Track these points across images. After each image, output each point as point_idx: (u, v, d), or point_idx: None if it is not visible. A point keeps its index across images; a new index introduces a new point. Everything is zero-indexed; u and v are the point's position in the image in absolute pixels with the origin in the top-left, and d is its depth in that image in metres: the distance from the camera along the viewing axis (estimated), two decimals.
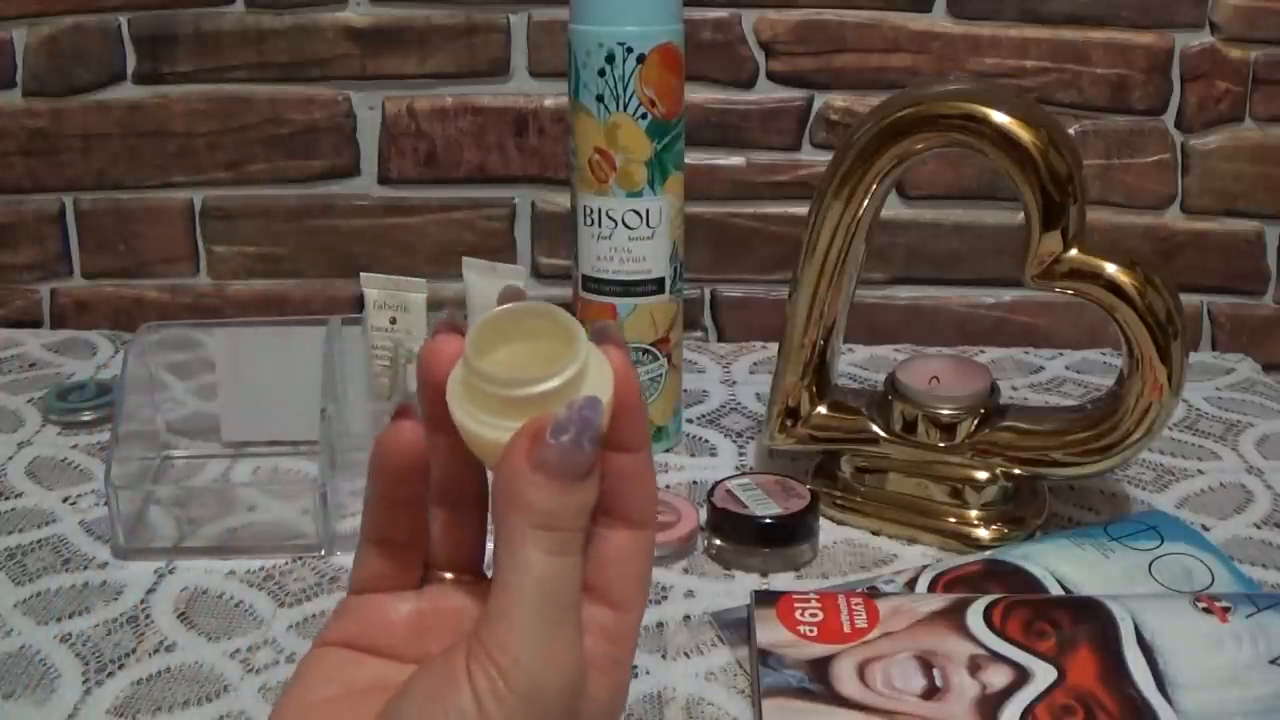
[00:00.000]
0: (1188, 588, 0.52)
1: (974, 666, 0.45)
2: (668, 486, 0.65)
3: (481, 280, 0.65)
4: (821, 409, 0.62)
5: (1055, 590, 0.52)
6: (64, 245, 0.89)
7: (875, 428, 0.61)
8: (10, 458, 0.68)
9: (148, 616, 0.53)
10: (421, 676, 0.31)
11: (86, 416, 0.72)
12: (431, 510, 0.35)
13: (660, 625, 0.52)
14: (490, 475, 0.32)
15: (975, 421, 0.60)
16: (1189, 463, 0.68)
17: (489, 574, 0.36)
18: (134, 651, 0.51)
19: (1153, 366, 0.54)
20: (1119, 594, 0.49)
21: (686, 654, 0.50)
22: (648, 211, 0.63)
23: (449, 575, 0.35)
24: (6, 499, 0.63)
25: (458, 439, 0.32)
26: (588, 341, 0.31)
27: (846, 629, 0.47)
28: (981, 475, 0.59)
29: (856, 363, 0.83)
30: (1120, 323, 0.54)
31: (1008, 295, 0.88)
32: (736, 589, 0.55)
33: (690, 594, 0.55)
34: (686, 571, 0.57)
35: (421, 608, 0.35)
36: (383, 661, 0.34)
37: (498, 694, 0.29)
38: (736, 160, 0.86)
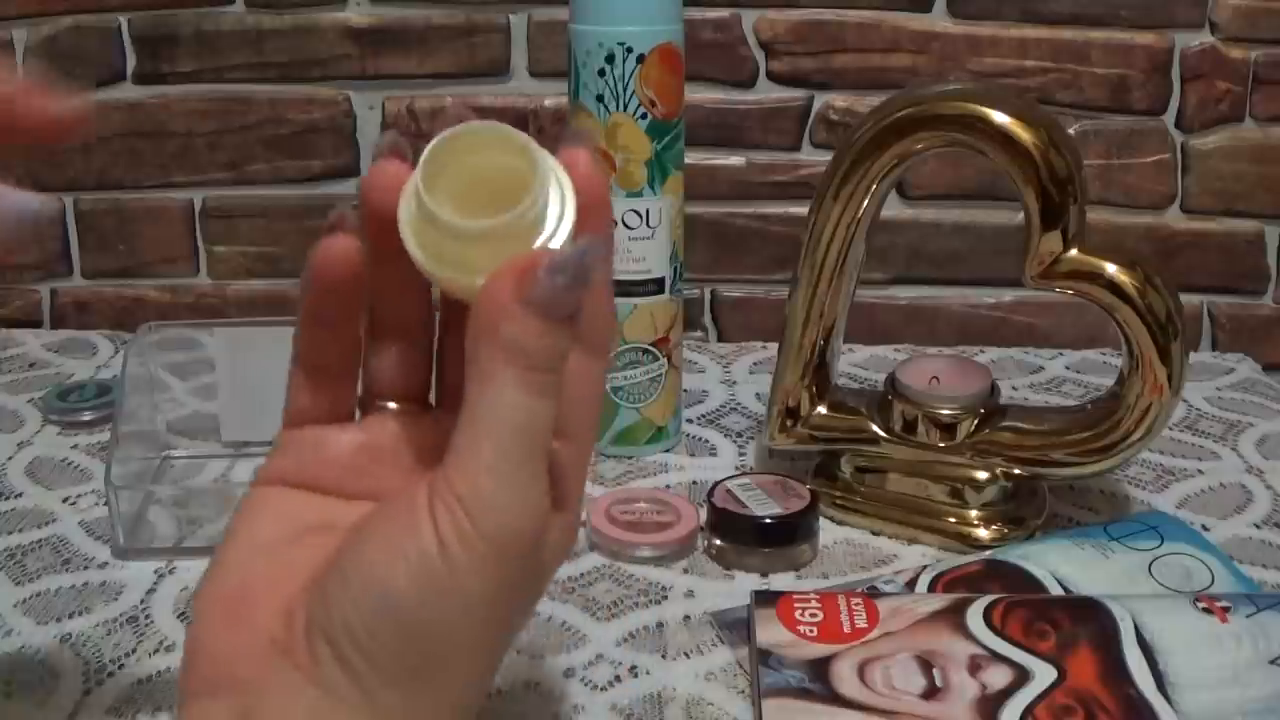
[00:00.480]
0: (1188, 588, 0.52)
1: (974, 666, 0.45)
2: (668, 486, 0.65)
3: None
4: (821, 409, 0.62)
5: (1055, 590, 0.52)
6: (64, 245, 0.89)
7: (875, 428, 0.61)
8: (10, 458, 0.68)
9: (148, 616, 0.53)
10: (379, 517, 0.30)
11: (86, 416, 0.72)
12: (376, 338, 0.34)
13: (660, 625, 0.52)
14: (437, 299, 0.31)
15: (975, 421, 0.60)
16: (1189, 463, 0.68)
17: (434, 404, 0.35)
18: (134, 651, 0.51)
19: (1153, 366, 0.54)
20: (1119, 594, 0.49)
21: (686, 654, 0.50)
22: (648, 211, 0.63)
23: (392, 405, 0.34)
24: (6, 499, 0.63)
25: (402, 265, 0.30)
26: (544, 156, 0.29)
27: (846, 629, 0.47)
28: (981, 475, 0.59)
29: (856, 363, 0.83)
30: (1120, 323, 0.54)
31: (1008, 295, 0.88)
32: (736, 589, 0.55)
33: (690, 594, 0.55)
34: (686, 571, 0.57)
35: (362, 440, 0.33)
36: (326, 499, 0.33)
37: (463, 535, 0.28)
38: (736, 160, 0.86)
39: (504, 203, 0.29)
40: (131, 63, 0.85)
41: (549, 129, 0.85)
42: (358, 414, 0.35)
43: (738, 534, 0.57)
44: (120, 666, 0.50)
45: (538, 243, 0.30)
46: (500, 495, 0.28)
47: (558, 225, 0.30)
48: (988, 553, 0.55)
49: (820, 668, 0.45)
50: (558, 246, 0.29)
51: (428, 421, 0.34)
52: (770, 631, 0.48)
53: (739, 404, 0.76)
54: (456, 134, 0.30)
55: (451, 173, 0.30)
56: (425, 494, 0.29)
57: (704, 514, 0.58)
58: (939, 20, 0.83)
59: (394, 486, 0.32)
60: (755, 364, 0.83)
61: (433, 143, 0.30)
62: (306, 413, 0.34)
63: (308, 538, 0.32)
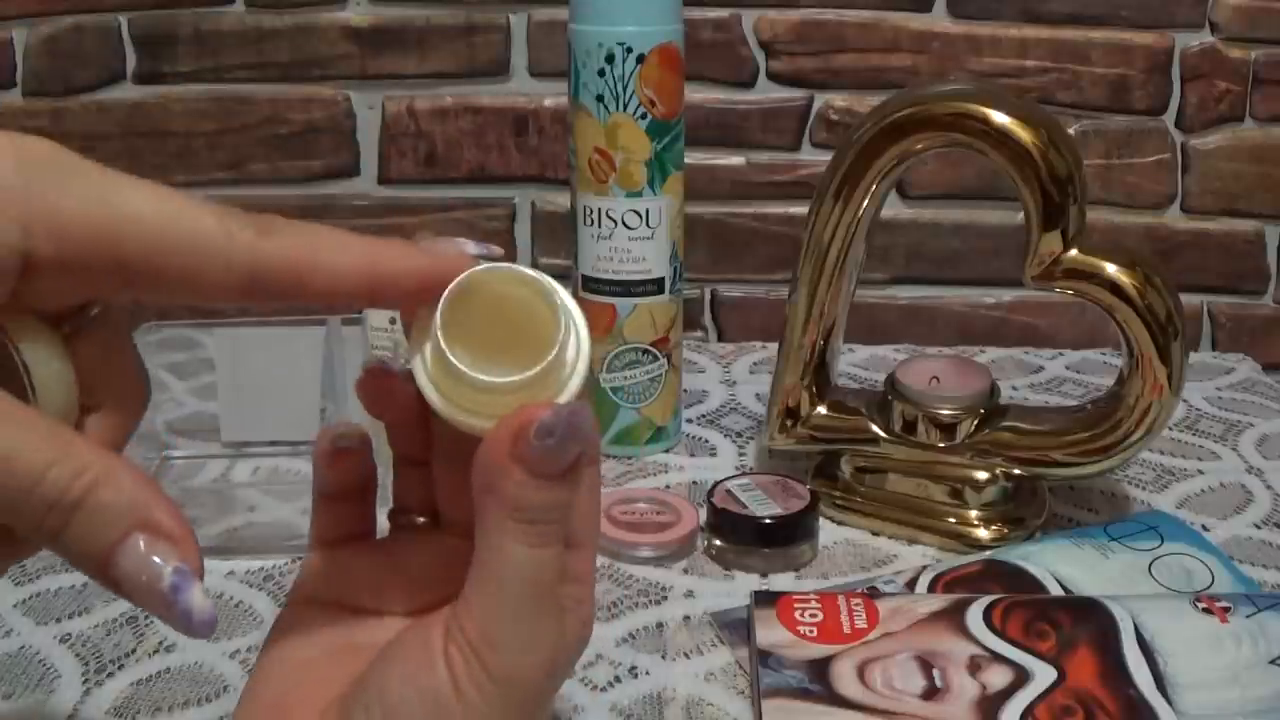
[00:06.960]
0: (1188, 588, 0.52)
1: (974, 667, 0.45)
2: (667, 486, 0.65)
3: None
4: (821, 409, 0.62)
5: (1055, 590, 0.52)
6: None
7: (875, 428, 0.61)
8: None
9: (147, 617, 0.53)
10: (397, 652, 0.31)
11: None
12: (401, 463, 0.36)
13: (660, 625, 0.52)
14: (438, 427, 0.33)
15: (975, 421, 0.60)
16: (1189, 463, 0.68)
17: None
18: (134, 651, 0.51)
19: (1153, 366, 0.54)
20: (1119, 594, 0.49)
21: (686, 654, 0.50)
22: (647, 211, 0.63)
23: (420, 519, 0.36)
24: None
25: (419, 406, 0.32)
26: (564, 299, 0.30)
27: (846, 629, 0.47)
28: (981, 475, 0.59)
29: (856, 363, 0.83)
30: (1120, 323, 0.54)
31: (1008, 295, 0.88)
32: (736, 589, 0.55)
33: (690, 594, 0.55)
34: (686, 571, 0.57)
35: (381, 559, 0.35)
36: (353, 616, 0.34)
37: (476, 679, 0.29)
38: (736, 160, 0.86)
39: (521, 331, 0.30)
40: (131, 63, 0.85)
41: (548, 129, 0.85)
42: (388, 525, 0.37)
43: (738, 534, 0.57)
44: (120, 666, 0.50)
45: (555, 386, 0.30)
46: (510, 640, 0.30)
47: (573, 370, 0.31)
48: (988, 553, 0.55)
49: (820, 668, 0.45)
50: (571, 391, 0.30)
51: (438, 537, 0.36)
52: (770, 632, 0.48)
53: (739, 404, 0.76)
54: (474, 277, 0.30)
55: (467, 307, 0.30)
56: (441, 634, 0.30)
57: (704, 514, 0.58)
58: (939, 20, 0.83)
59: (411, 601, 0.34)
60: (755, 364, 0.83)
61: (450, 291, 0.30)
62: (328, 535, 0.36)
63: (336, 654, 0.33)
